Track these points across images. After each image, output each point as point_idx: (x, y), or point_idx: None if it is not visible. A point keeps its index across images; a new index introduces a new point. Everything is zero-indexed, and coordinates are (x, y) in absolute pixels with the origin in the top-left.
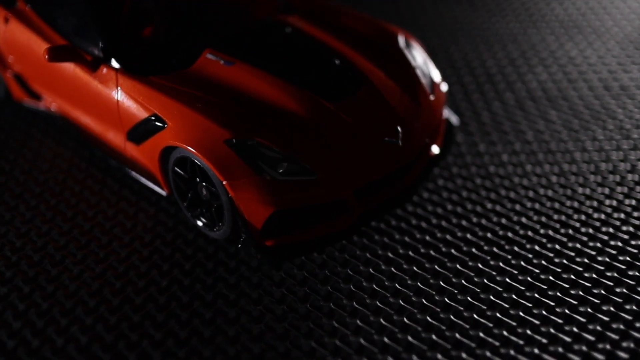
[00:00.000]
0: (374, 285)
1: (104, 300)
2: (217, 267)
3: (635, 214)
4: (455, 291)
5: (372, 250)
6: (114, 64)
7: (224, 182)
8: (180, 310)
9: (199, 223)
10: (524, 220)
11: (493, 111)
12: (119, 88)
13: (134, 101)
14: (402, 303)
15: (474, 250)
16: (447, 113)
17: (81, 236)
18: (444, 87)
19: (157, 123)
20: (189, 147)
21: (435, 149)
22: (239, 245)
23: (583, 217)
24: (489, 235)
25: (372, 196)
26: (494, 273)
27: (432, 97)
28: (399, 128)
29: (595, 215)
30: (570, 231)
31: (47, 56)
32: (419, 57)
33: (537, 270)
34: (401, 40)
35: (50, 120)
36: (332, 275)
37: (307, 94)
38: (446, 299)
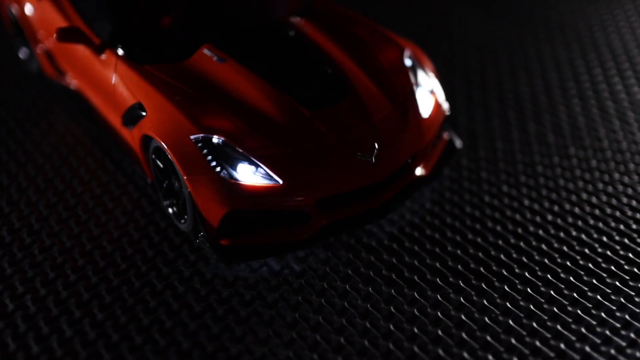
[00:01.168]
0: (369, 305)
1: (62, 275)
2: (177, 259)
3: None
4: (451, 307)
5: (377, 270)
6: (119, 50)
7: (185, 177)
8: (129, 295)
9: (171, 212)
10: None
11: (510, 139)
12: (115, 73)
13: (126, 87)
14: (416, 313)
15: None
16: (449, 135)
17: (64, 210)
18: (445, 107)
19: (140, 111)
20: (157, 138)
21: (420, 171)
22: (197, 241)
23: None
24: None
25: (339, 209)
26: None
27: (425, 117)
28: (376, 145)
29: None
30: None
31: (56, 36)
32: (422, 74)
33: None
34: (406, 55)
35: (71, 97)
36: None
37: (287, 99)
38: (463, 316)
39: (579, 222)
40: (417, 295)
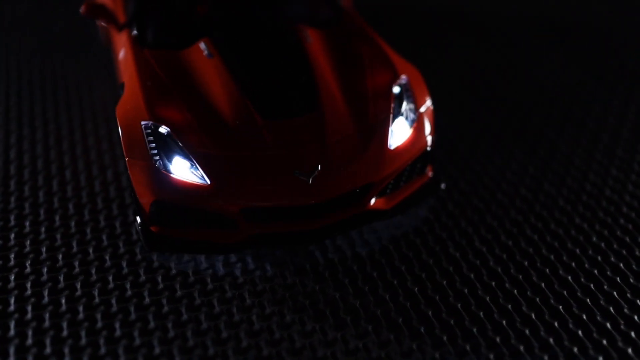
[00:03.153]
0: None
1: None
2: (127, 232)
3: None
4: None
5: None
6: (133, 31)
7: (126, 158)
8: (64, 259)
9: None
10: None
11: (503, 190)
12: (123, 52)
13: (122, 67)
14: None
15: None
16: (433, 173)
17: (42, 168)
18: (427, 142)
19: (121, 91)
20: (117, 118)
21: (377, 203)
22: (135, 222)
23: None
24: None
25: (268, 223)
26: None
27: (391, 148)
28: (319, 166)
29: None
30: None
31: (82, 10)
32: (408, 104)
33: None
34: (400, 82)
35: None
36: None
37: (245, 103)
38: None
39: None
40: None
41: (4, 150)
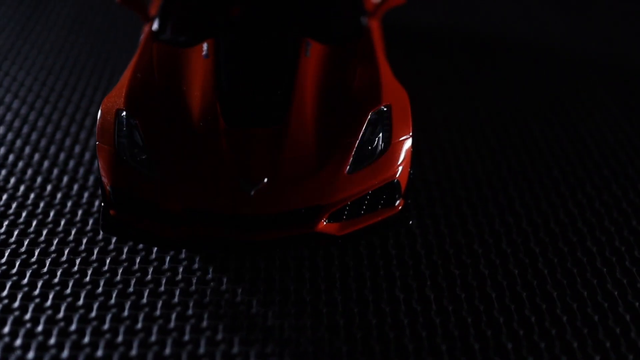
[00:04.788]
0: None
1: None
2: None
3: None
4: None
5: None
6: (154, 24)
7: (96, 142)
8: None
9: None
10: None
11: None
12: (140, 40)
13: (135, 55)
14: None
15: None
16: (406, 206)
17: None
18: (395, 173)
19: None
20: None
21: (326, 226)
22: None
23: None
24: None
25: (209, 226)
26: None
27: (349, 174)
28: (265, 180)
29: None
30: None
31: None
32: (382, 133)
33: None
34: (381, 109)
35: None
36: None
37: (215, 106)
38: None
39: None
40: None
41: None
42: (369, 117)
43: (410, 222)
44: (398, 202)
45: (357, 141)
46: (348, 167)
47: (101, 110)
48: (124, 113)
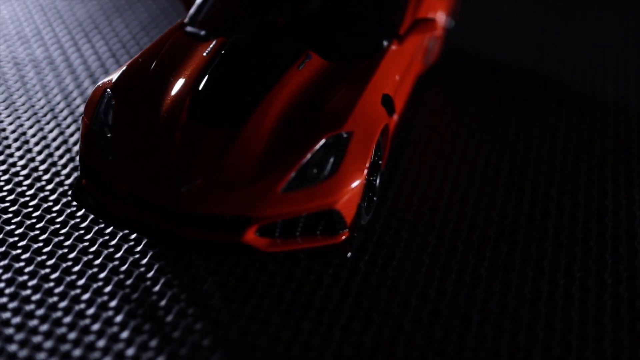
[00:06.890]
0: None
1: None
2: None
3: None
4: None
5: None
6: (189, 15)
7: (82, 116)
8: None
9: None
10: None
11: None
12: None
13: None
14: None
15: None
16: (343, 238)
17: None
18: (337, 203)
19: None
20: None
21: (254, 239)
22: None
23: None
24: None
25: (142, 211)
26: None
27: (282, 193)
28: (199, 179)
29: None
30: None
31: None
32: (336, 159)
33: None
34: (340, 135)
35: None
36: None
37: (185, 100)
38: None
39: None
40: None
41: None
42: (326, 140)
43: (349, 254)
44: (342, 232)
45: (304, 161)
46: (285, 185)
47: (94, 89)
48: (109, 93)
